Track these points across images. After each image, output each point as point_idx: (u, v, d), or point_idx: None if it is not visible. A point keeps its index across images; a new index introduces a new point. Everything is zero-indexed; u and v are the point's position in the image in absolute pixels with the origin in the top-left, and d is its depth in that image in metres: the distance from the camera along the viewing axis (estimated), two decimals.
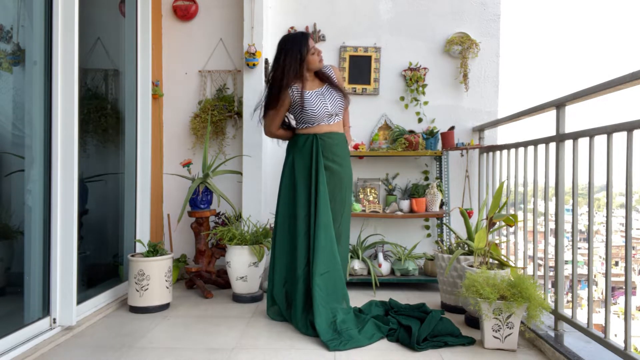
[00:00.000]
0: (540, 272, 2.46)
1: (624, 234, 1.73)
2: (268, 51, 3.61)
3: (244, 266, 2.97)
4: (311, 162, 2.60)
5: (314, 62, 2.62)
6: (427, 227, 3.65)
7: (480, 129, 3.57)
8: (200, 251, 3.29)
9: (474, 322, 2.45)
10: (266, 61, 3.53)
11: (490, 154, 3.34)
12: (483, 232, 2.42)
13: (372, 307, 2.66)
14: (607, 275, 1.87)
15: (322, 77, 2.70)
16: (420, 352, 2.14)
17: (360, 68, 3.69)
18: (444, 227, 3.47)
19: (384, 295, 3.12)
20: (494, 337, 2.15)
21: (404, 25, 3.70)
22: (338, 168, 2.63)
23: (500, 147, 3.10)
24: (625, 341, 1.71)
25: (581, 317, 2.08)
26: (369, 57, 3.69)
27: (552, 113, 2.28)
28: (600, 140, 1.91)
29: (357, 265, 3.26)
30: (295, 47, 2.57)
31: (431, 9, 3.69)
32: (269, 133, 2.78)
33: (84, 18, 2.48)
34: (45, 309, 2.32)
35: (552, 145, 2.28)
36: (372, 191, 3.60)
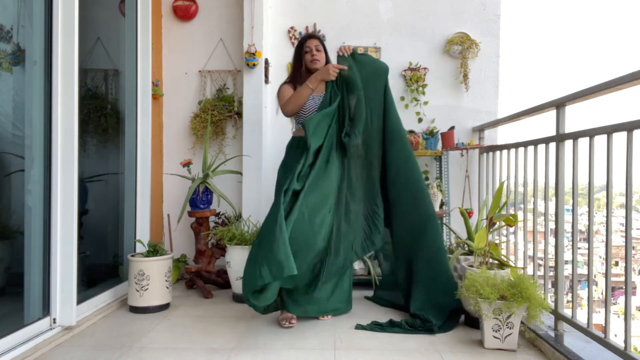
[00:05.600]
0: (540, 272, 2.46)
1: (624, 234, 1.73)
2: (268, 51, 3.61)
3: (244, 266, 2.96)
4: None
5: (307, 60, 2.71)
6: None
7: (480, 129, 3.57)
8: (200, 251, 3.29)
9: (474, 322, 2.45)
10: (266, 61, 3.53)
11: (490, 154, 3.34)
12: (483, 232, 2.42)
13: None
14: (607, 275, 1.88)
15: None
16: (419, 352, 2.15)
17: None
18: (444, 227, 3.47)
19: None
20: (494, 337, 2.15)
21: (404, 25, 3.70)
22: None
23: (500, 147, 3.10)
24: (625, 341, 1.71)
25: (581, 317, 2.08)
26: None
27: (552, 113, 2.28)
28: (600, 140, 1.92)
29: (357, 265, 3.26)
30: (297, 46, 2.77)
31: (431, 8, 3.69)
32: (284, 106, 2.69)
33: (84, 18, 2.48)
34: (45, 309, 2.32)
35: (552, 145, 2.28)
36: None
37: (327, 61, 2.78)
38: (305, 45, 2.71)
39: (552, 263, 2.28)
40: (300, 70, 2.72)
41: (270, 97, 3.61)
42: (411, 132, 3.55)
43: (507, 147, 2.95)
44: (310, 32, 2.90)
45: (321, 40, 2.77)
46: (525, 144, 2.64)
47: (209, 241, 3.42)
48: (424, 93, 3.65)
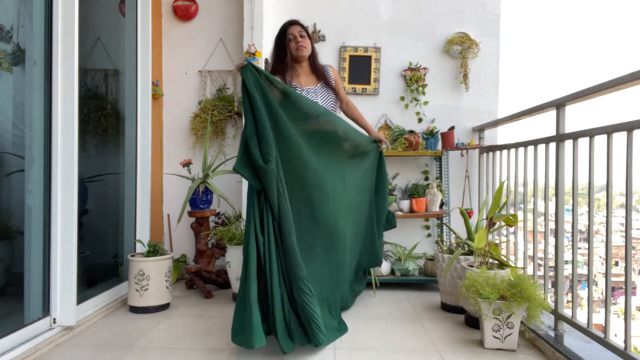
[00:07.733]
0: (540, 272, 2.46)
1: (624, 234, 1.73)
2: (268, 51, 3.59)
3: None
4: None
5: (292, 48, 2.57)
6: (427, 227, 3.65)
7: (480, 129, 3.57)
8: (200, 251, 3.29)
9: (474, 322, 2.45)
10: (266, 61, 3.52)
11: (490, 154, 3.34)
12: (483, 232, 2.42)
13: None
14: (607, 275, 1.87)
15: (319, 74, 2.70)
16: (419, 352, 2.14)
17: (360, 68, 3.69)
18: (444, 227, 3.47)
19: (384, 295, 3.13)
20: (494, 337, 2.15)
21: (404, 25, 3.70)
22: None
23: (500, 147, 3.10)
24: (625, 341, 1.71)
25: (581, 317, 2.08)
26: (369, 57, 3.69)
27: (552, 113, 2.28)
28: (600, 140, 1.92)
29: None
30: (278, 35, 2.63)
31: (431, 9, 3.69)
32: None
33: (84, 18, 2.48)
34: (45, 309, 2.32)
35: (552, 145, 2.28)
36: None
37: (314, 49, 2.64)
38: (288, 33, 2.55)
39: (552, 263, 2.28)
40: (285, 60, 2.55)
41: None
42: (411, 132, 3.55)
43: (507, 147, 2.95)
44: (290, 19, 2.66)
45: (302, 25, 2.59)
46: (525, 144, 2.64)
47: (209, 241, 3.42)
48: (424, 93, 3.65)
